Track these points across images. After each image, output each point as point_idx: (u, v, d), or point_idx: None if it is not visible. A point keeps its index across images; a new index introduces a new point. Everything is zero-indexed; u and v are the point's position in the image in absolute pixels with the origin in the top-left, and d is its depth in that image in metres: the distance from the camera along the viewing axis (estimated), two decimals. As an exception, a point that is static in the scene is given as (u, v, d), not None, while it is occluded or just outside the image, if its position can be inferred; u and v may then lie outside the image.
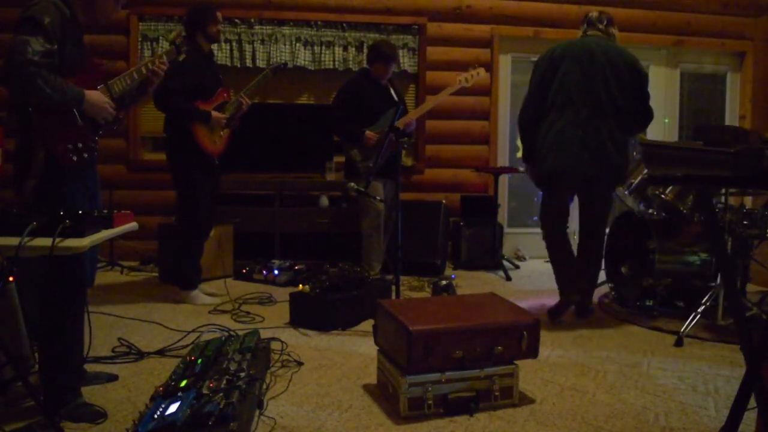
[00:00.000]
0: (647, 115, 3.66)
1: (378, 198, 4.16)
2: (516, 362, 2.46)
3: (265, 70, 4.30)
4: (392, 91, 4.56)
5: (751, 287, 4.12)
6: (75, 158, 2.28)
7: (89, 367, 2.62)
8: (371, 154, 4.31)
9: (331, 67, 5.44)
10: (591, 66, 3.51)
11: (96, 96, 2.30)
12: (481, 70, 4.43)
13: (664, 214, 4.03)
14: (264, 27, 5.36)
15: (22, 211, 2.00)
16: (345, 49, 5.46)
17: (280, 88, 5.38)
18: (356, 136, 4.35)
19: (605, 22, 3.68)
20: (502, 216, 5.75)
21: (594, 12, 3.76)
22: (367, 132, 4.31)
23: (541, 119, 3.64)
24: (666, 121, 6.07)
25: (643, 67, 3.70)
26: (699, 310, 3.43)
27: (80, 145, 2.30)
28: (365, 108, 4.39)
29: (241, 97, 4.01)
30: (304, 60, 5.41)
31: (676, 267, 3.86)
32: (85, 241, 1.82)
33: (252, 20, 5.33)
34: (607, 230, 4.31)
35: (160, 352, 2.97)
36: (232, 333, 2.92)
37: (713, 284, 3.67)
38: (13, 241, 1.77)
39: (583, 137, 3.48)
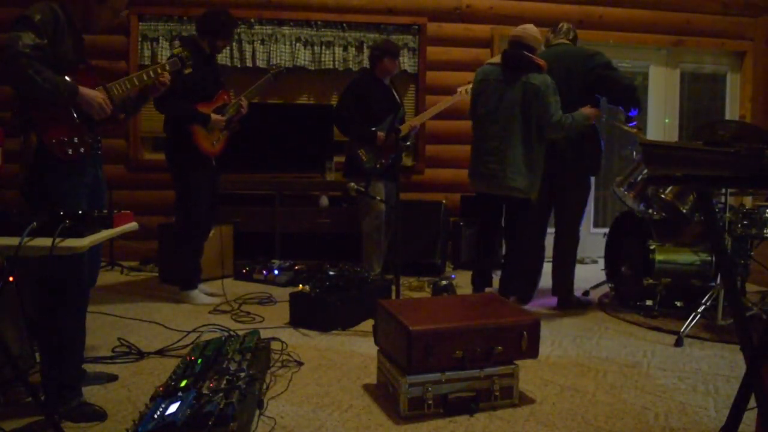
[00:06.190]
0: None
1: (379, 198, 4.15)
2: (516, 362, 2.46)
3: (265, 70, 4.30)
4: (394, 92, 4.56)
5: (751, 287, 4.12)
6: (70, 151, 2.28)
7: (89, 367, 2.63)
8: (377, 154, 4.32)
9: (331, 67, 5.43)
10: None
11: (90, 92, 2.31)
12: None
13: (664, 214, 4.03)
14: (264, 27, 5.36)
15: (24, 210, 2.00)
16: (345, 49, 5.46)
17: (280, 88, 5.37)
18: (368, 137, 4.35)
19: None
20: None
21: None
22: (380, 133, 4.32)
23: None
24: (666, 121, 6.07)
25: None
26: (699, 310, 3.44)
27: (76, 139, 2.30)
28: (372, 108, 4.38)
29: (241, 100, 4.01)
30: (304, 60, 5.40)
31: (676, 267, 3.86)
32: (85, 241, 1.82)
33: (252, 20, 5.33)
34: (607, 230, 4.35)
35: (160, 352, 2.97)
36: (232, 333, 2.93)
37: (713, 284, 3.68)
38: (13, 241, 1.77)
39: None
